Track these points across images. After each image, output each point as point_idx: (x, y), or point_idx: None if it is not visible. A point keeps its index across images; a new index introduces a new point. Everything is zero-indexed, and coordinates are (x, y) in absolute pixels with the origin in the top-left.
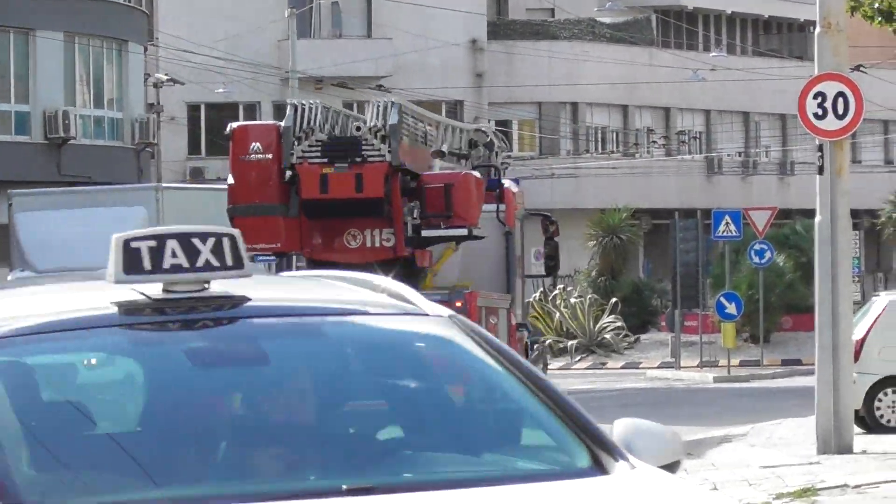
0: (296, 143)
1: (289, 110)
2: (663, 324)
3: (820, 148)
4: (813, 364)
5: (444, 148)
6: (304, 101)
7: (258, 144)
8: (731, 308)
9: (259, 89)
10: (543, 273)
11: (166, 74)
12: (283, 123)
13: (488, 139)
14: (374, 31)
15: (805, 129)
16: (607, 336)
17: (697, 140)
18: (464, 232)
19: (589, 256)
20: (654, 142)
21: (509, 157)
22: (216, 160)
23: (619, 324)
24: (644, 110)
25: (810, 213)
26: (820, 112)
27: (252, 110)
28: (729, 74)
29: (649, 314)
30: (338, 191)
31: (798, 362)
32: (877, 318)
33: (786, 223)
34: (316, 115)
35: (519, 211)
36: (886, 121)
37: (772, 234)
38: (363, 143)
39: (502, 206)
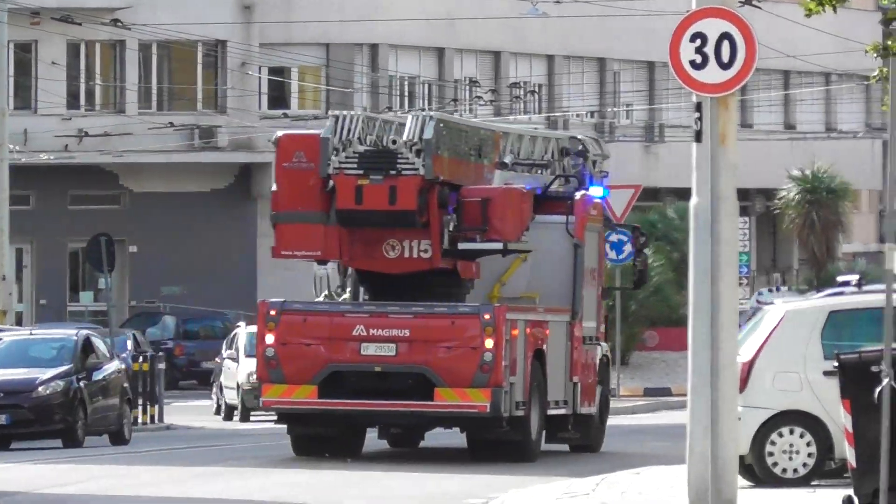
0: (334, 153)
1: (329, 121)
2: None
3: (698, 107)
4: (685, 394)
5: (508, 159)
6: (345, 112)
7: (302, 153)
8: None
9: None
10: (631, 286)
11: None
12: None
13: (580, 147)
14: None
15: (679, 81)
16: None
17: (536, 95)
18: (499, 246)
19: None
20: (478, 97)
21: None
22: None
23: None
24: (466, 55)
25: (685, 194)
26: (699, 59)
27: None
28: (579, 9)
29: None
30: (372, 202)
31: (666, 392)
32: (770, 334)
33: (653, 206)
34: (356, 125)
35: (591, 224)
36: (786, 71)
37: (634, 221)
38: (398, 156)
39: (572, 218)
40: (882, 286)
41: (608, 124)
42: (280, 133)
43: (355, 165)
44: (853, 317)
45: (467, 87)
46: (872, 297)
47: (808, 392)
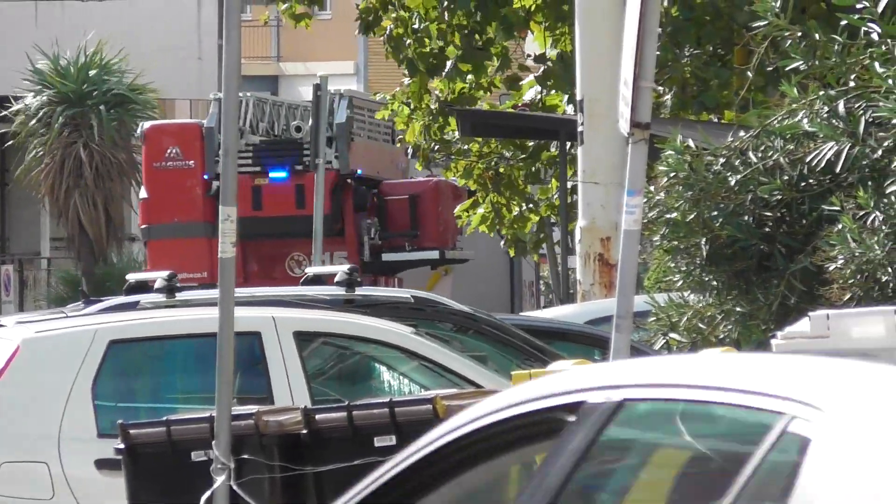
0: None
1: (212, 106)
2: None
3: None
4: None
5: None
6: None
7: (177, 149)
8: None
9: None
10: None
11: None
12: (205, 122)
13: None
14: None
15: None
16: None
17: None
18: (434, 255)
19: None
20: None
21: None
22: None
23: None
24: None
25: None
26: None
27: None
28: None
29: None
30: (274, 207)
31: None
32: None
33: None
34: (247, 110)
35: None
36: None
37: None
38: (305, 146)
39: None
40: (209, 292)
41: None
42: (146, 125)
43: (250, 161)
44: (157, 352)
45: None
46: (194, 315)
47: (66, 501)
